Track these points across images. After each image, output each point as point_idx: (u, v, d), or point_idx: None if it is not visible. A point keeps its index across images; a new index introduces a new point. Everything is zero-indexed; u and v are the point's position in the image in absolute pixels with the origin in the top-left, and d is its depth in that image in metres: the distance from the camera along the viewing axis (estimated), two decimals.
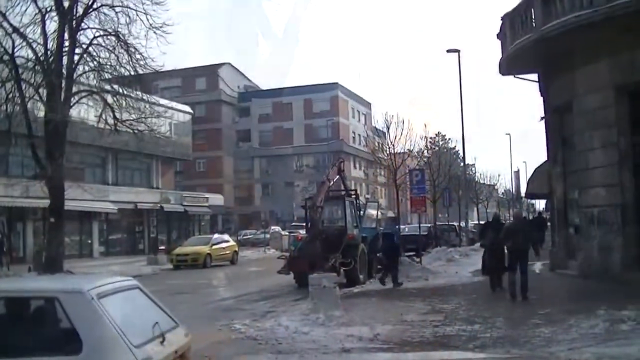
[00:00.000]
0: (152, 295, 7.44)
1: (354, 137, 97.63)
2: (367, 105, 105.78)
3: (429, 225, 49.81)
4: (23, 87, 33.56)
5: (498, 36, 28.10)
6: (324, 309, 15.58)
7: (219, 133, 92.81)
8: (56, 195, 33.94)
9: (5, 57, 32.95)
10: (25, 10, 38.78)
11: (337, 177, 29.23)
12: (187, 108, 70.94)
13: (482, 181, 76.29)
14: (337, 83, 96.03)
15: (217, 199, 73.02)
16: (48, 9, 33.19)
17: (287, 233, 55.63)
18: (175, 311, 18.88)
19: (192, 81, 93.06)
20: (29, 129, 33.94)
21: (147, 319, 6.78)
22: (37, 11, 32.98)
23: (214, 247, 41.25)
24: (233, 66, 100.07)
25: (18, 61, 33.42)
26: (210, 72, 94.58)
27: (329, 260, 23.80)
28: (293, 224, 56.24)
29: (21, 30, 32.77)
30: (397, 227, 29.98)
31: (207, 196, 70.97)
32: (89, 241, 53.82)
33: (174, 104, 66.00)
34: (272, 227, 66.57)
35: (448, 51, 44.97)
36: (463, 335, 13.59)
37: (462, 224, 56.04)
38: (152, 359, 6.28)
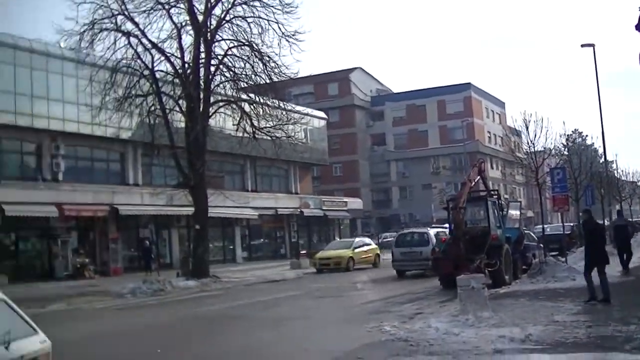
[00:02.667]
0: (18, 307, 8.04)
1: (489, 137, 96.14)
2: (501, 104, 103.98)
3: (572, 224, 48.44)
4: (163, 99, 35.12)
5: (637, 27, 27.07)
6: (473, 310, 15.41)
7: (353, 137, 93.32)
8: (200, 203, 35.25)
9: (146, 72, 34.54)
10: (162, 26, 40.71)
11: (478, 177, 28.93)
12: (322, 114, 71.75)
13: (624, 178, 73.50)
14: (469, 83, 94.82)
15: (355, 203, 73.38)
16: (183, 24, 34.63)
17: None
18: (322, 314, 19.49)
19: (325, 87, 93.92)
20: (171, 139, 35.35)
21: None
22: (173, 27, 34.45)
23: (356, 250, 41.29)
24: (364, 70, 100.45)
25: (158, 75, 35.01)
26: (342, 77, 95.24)
27: (474, 262, 23.52)
28: (432, 225, 55.80)
29: (159, 45, 34.31)
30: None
31: (345, 200, 71.44)
32: (232, 247, 55.29)
33: (309, 110, 66.86)
34: None
35: (582, 46, 43.39)
36: (618, 336, 12.98)
37: (606, 222, 54.24)
38: None
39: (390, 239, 69.49)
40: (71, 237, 41.75)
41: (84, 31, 32.55)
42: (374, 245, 45.03)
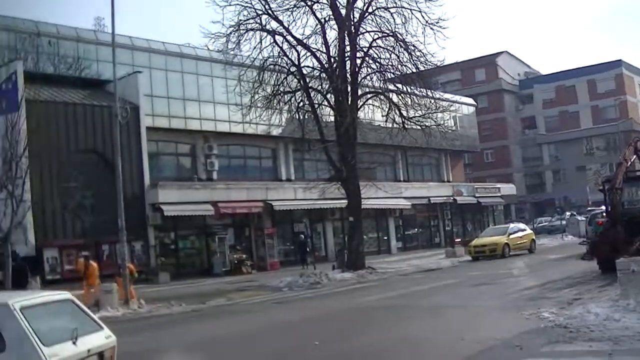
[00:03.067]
0: (85, 306, 9.46)
1: None
2: None
3: None
4: (312, 94, 35.36)
5: None
6: (634, 295, 14.65)
7: (503, 122, 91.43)
8: (352, 195, 35.30)
9: (293, 69, 34.90)
10: (306, 22, 41.07)
11: (634, 157, 27.56)
12: (471, 100, 70.79)
13: None
14: (620, 60, 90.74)
15: (509, 189, 71.74)
16: (327, 19, 34.69)
17: (583, 218, 53.50)
18: (479, 302, 19.07)
19: (472, 73, 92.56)
20: (321, 134, 35.61)
21: (67, 325, 8.49)
22: (317, 22, 34.59)
23: (511, 236, 40.46)
24: (510, 54, 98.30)
25: (304, 71, 35.31)
26: (489, 62, 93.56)
27: (633, 244, 22.46)
28: (588, 208, 53.92)
29: (304, 41, 34.55)
30: None
31: (498, 186, 69.95)
32: (386, 238, 55.20)
33: (457, 98, 66.14)
34: (568, 213, 64.21)
35: None
36: None
37: None
38: (59, 355, 7.91)
39: (545, 224, 67.98)
40: (228, 233, 42.81)
41: (230, 33, 33.25)
42: (529, 231, 44.10)
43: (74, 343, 8.29)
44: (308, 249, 43.12)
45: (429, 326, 15.83)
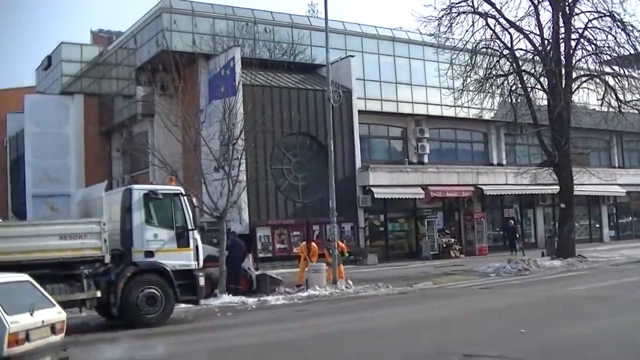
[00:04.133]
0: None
1: None
2: None
3: None
4: (524, 77, 34.64)
5: None
6: None
7: None
8: (565, 182, 34.36)
9: (505, 52, 34.35)
10: (519, 4, 40.20)
11: None
12: None
13: None
14: None
15: None
16: (540, 0, 33.72)
17: None
18: None
19: None
20: (534, 118, 34.83)
21: (25, 301, 10.97)
22: (530, 4, 33.76)
23: None
24: None
25: (517, 54, 34.62)
26: None
27: None
28: None
29: (517, 23, 33.85)
30: None
31: None
32: (598, 225, 52.94)
33: None
34: None
35: None
36: None
37: None
38: (19, 322, 10.46)
39: None
40: (437, 217, 42.88)
41: (442, 16, 33.21)
42: None
43: (31, 314, 10.83)
44: (517, 235, 42.41)
45: (634, 320, 15.23)
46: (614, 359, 11.53)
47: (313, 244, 27.36)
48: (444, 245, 40.85)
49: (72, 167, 46.42)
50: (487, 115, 42.56)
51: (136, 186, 19.33)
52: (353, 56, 40.77)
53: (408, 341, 13.91)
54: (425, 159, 44.05)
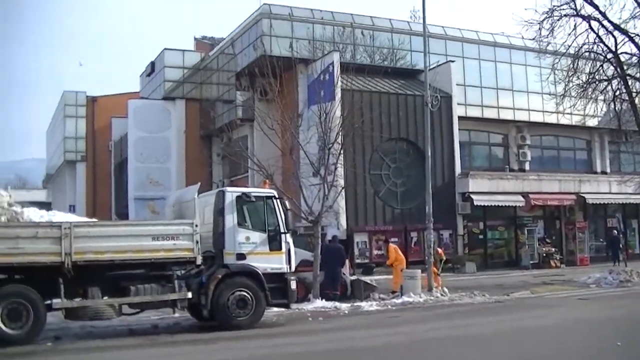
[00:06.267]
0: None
1: None
2: None
3: None
4: (629, 82, 33.51)
5: None
6: None
7: None
8: None
9: (609, 56, 33.24)
10: (624, 5, 38.78)
11: None
12: None
13: None
14: None
15: None
16: None
17: None
18: None
19: None
20: (639, 124, 33.67)
21: None
22: (635, 5, 32.64)
23: None
24: None
25: (622, 58, 33.51)
26: None
27: None
28: None
29: (622, 26, 32.77)
30: None
31: None
32: None
33: None
34: None
35: None
36: None
37: None
38: None
39: None
40: (537, 226, 41.98)
41: (544, 19, 32.40)
42: None
43: None
44: (621, 246, 41.01)
45: None
46: None
47: (391, 245, 27.10)
48: (544, 255, 39.91)
49: (173, 171, 47.41)
50: (591, 122, 41.39)
51: (229, 188, 19.61)
52: (453, 61, 40.42)
53: (498, 351, 13.62)
54: (527, 167, 43.24)
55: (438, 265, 26.56)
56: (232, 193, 18.45)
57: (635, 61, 33.69)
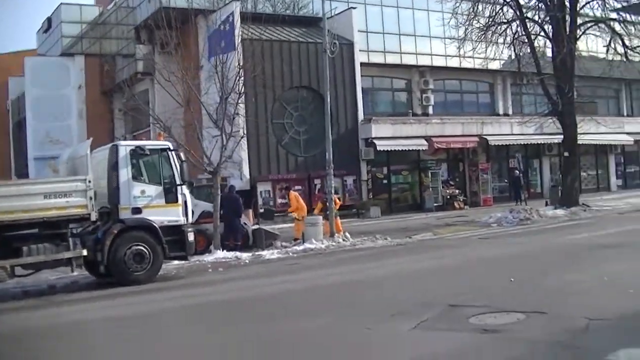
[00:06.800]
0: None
1: None
2: None
3: None
4: (528, 25, 33.98)
5: None
6: None
7: None
8: (569, 130, 33.84)
9: None
10: None
11: None
12: None
13: None
14: None
15: None
16: None
17: None
18: None
19: None
20: (537, 66, 34.27)
21: None
22: None
23: None
24: None
25: (521, 0, 33.92)
26: None
27: None
28: None
29: None
30: None
31: None
32: (605, 175, 52.54)
33: None
34: None
35: None
36: None
37: None
38: None
39: None
40: (440, 168, 42.63)
41: None
42: None
43: None
44: (522, 185, 42.03)
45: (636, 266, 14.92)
46: (597, 306, 10.99)
47: (292, 193, 27.03)
48: (448, 197, 40.64)
49: (74, 128, 46.11)
50: (494, 65, 41.94)
51: (122, 142, 19.25)
52: (355, 8, 40.27)
53: (395, 292, 13.65)
54: (430, 111, 43.63)
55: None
56: (125, 147, 17.98)
57: (534, 4, 34.21)
